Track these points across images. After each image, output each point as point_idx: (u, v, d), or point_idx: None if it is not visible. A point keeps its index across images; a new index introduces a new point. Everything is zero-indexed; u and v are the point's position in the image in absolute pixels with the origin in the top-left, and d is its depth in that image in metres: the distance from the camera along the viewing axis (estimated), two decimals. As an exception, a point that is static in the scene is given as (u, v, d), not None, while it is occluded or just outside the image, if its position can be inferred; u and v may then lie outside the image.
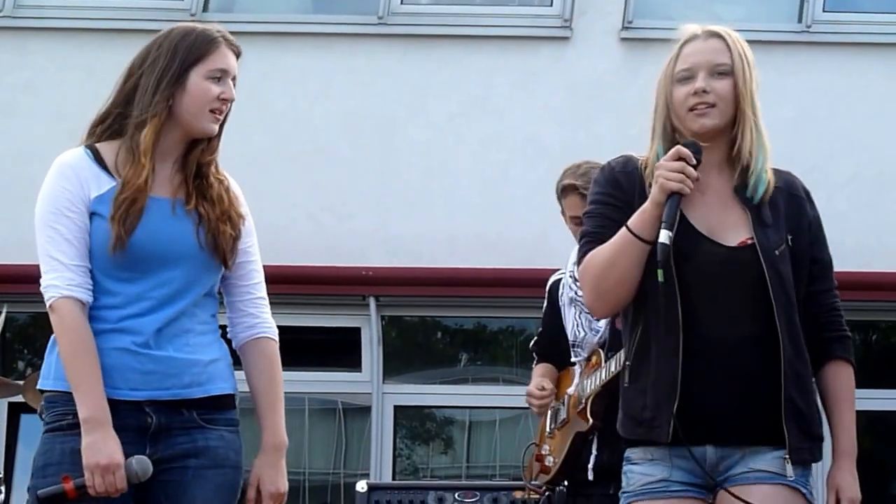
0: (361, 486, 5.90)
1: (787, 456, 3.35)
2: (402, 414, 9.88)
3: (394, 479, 9.42)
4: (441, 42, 9.87)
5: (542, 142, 9.33)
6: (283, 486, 3.59)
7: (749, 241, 3.39)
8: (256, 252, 3.73)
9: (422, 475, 9.88)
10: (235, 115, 10.20)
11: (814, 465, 3.46)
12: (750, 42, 3.57)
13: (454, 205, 9.54)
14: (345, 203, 9.60)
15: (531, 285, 9.15)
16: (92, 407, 3.42)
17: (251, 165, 9.42)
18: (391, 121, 9.73)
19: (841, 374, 3.48)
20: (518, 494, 5.76)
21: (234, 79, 3.61)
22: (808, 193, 3.56)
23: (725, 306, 3.37)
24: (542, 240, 8.56)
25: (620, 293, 3.40)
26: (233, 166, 9.29)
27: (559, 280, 5.16)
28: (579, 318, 4.97)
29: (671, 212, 3.31)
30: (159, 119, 3.53)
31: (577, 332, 4.98)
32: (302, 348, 9.84)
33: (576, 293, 4.95)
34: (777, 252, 3.38)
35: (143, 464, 3.44)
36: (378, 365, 9.61)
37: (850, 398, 3.46)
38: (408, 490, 5.94)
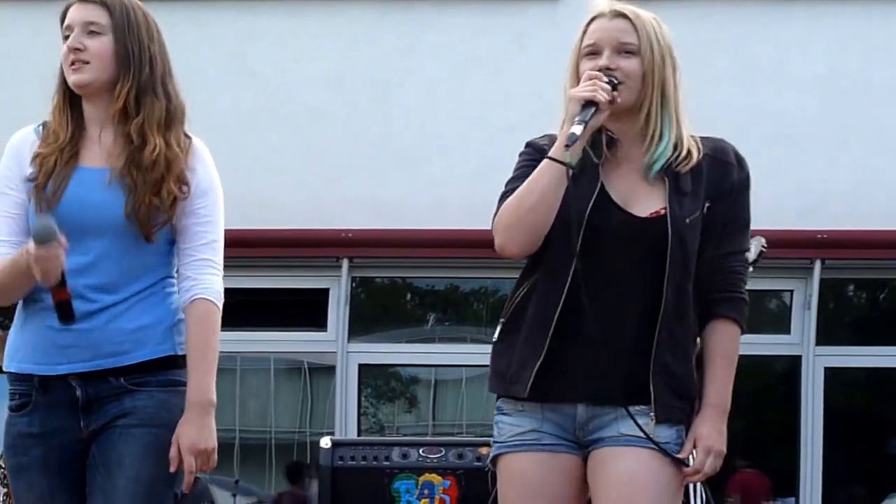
0: (325, 442, 5.90)
1: (653, 413, 3.35)
2: (367, 373, 9.97)
3: (359, 437, 9.43)
4: (418, 4, 9.94)
5: (545, 103, 9.25)
6: (204, 442, 3.51)
7: (661, 212, 3.41)
8: (210, 213, 3.65)
9: (387, 433, 9.93)
10: (222, 78, 10.23)
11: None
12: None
13: (446, 168, 9.62)
14: (336, 166, 9.68)
15: None
16: None
17: (242, 129, 9.54)
18: (379, 83, 9.84)
19: (718, 330, 3.43)
20: (483, 450, 5.73)
21: (92, 24, 3.62)
22: (739, 158, 3.53)
23: (623, 273, 3.40)
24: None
25: (536, 221, 3.38)
26: (225, 130, 9.31)
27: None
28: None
29: (585, 115, 3.34)
30: (58, 95, 3.67)
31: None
32: (270, 309, 9.87)
33: None
34: (688, 220, 3.40)
35: (39, 223, 3.44)
36: (343, 324, 9.69)
37: (725, 353, 3.43)
38: (372, 446, 5.96)
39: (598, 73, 3.40)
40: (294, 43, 9.90)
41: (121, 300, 3.56)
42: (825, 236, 8.95)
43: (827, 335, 9.53)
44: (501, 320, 3.52)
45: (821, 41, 9.67)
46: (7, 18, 9.56)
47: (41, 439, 3.56)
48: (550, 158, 3.38)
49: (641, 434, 3.32)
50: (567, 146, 3.31)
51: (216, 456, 3.55)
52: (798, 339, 9.38)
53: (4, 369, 3.62)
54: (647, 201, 3.42)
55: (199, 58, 9.52)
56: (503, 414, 3.46)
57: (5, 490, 5.12)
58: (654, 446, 3.33)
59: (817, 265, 9.30)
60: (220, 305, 3.61)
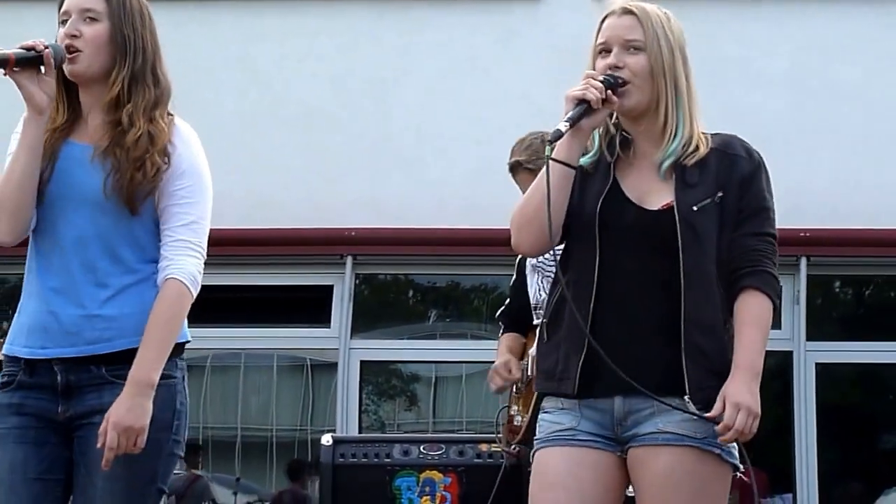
0: (326, 439, 5.89)
1: (688, 397, 3.36)
2: (369, 369, 9.96)
3: (360, 434, 9.41)
4: (415, 4, 9.96)
5: (533, 101, 9.28)
6: (131, 420, 3.44)
7: (671, 204, 3.46)
8: (189, 194, 3.63)
9: (387, 430, 9.91)
10: (226, 78, 10.20)
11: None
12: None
13: (445, 167, 9.62)
14: (337, 166, 9.71)
15: (506, 244, 9.36)
16: None
17: (246, 129, 9.55)
18: (378, 82, 9.85)
19: (745, 300, 3.44)
20: (484, 447, 5.74)
21: (89, 10, 3.63)
22: (749, 151, 3.57)
23: (642, 266, 3.45)
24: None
25: (542, 221, 3.44)
26: (229, 130, 9.28)
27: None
28: (541, 282, 5.10)
29: (575, 113, 3.40)
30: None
31: (537, 296, 5.08)
32: (275, 306, 9.88)
33: (537, 260, 5.03)
34: (695, 208, 3.44)
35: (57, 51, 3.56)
36: (347, 321, 9.71)
37: (753, 320, 3.43)
38: (373, 443, 5.93)
39: (593, 72, 3.46)
40: (296, 42, 9.93)
41: (107, 284, 3.56)
42: (808, 234, 9.00)
43: (816, 331, 9.56)
44: (544, 321, 3.57)
45: (790, 40, 9.69)
46: (13, 19, 9.58)
47: (18, 409, 3.56)
48: (553, 160, 3.45)
49: (679, 431, 3.36)
50: (550, 142, 3.39)
51: (144, 438, 3.47)
52: (789, 335, 9.40)
53: (2, 352, 3.66)
54: (659, 196, 3.47)
55: (204, 57, 9.54)
56: (545, 412, 3.53)
57: None
58: (691, 444, 3.35)
59: (803, 262, 9.40)
60: (193, 287, 3.60)
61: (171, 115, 3.69)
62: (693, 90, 3.53)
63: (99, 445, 3.45)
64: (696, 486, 3.38)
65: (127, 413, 3.44)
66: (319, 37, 9.92)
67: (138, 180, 3.54)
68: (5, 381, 3.62)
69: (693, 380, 3.37)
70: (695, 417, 3.37)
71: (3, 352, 3.65)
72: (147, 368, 3.49)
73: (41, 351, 3.56)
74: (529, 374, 5.06)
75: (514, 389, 5.21)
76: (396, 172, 9.68)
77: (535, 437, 3.55)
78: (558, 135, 3.37)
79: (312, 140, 9.74)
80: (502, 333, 5.37)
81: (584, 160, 3.54)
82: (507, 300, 5.40)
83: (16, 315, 3.66)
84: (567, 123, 3.37)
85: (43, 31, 3.66)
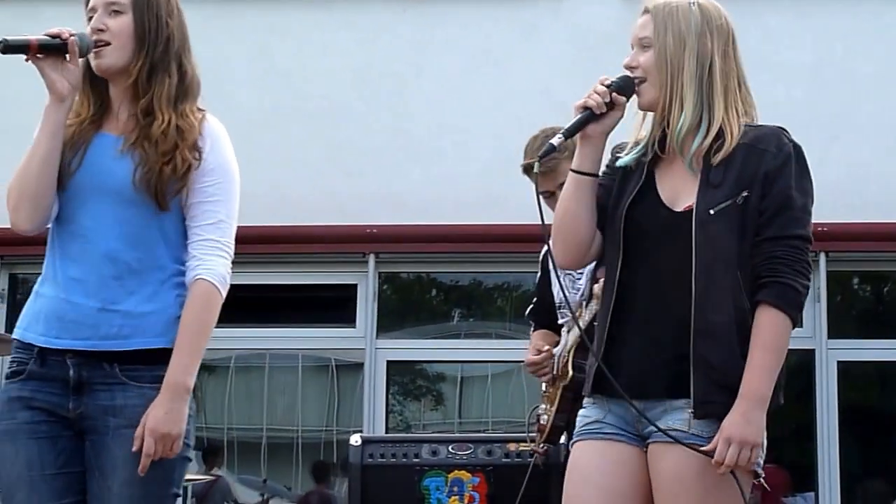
0: (356, 439, 5.88)
1: (691, 410, 3.35)
2: (395, 369, 9.93)
3: (386, 434, 9.42)
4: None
5: (553, 96, 9.28)
6: (168, 426, 3.42)
7: (692, 206, 3.43)
8: (218, 192, 3.60)
9: (414, 430, 9.91)
10: (248, 73, 10.12)
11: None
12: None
13: (464, 162, 9.59)
14: (355, 161, 9.69)
15: (530, 240, 9.40)
16: None
17: (267, 124, 9.56)
18: (398, 77, 9.83)
19: (760, 318, 3.38)
20: (512, 447, 5.76)
21: (113, 3, 3.60)
22: (779, 144, 3.47)
23: (662, 269, 3.43)
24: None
25: (573, 232, 3.49)
26: (250, 126, 9.25)
27: (548, 248, 5.21)
28: (563, 280, 5.03)
29: (574, 123, 3.43)
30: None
31: (560, 295, 5.05)
32: (298, 306, 9.88)
33: None
34: (712, 211, 3.38)
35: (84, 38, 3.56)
36: (372, 321, 9.68)
37: (764, 341, 3.37)
38: (402, 443, 5.92)
39: (604, 77, 3.47)
40: (316, 37, 9.90)
41: (132, 279, 3.50)
42: (826, 228, 9.00)
43: (837, 329, 9.48)
44: (594, 323, 3.63)
45: (809, 31, 9.67)
46: (28, 16, 9.60)
47: (28, 403, 3.50)
48: (572, 171, 3.48)
49: (685, 429, 3.34)
50: (540, 158, 3.43)
51: (181, 443, 3.45)
52: (811, 333, 9.32)
53: (13, 336, 3.59)
54: (687, 196, 3.44)
55: (224, 52, 9.54)
56: (583, 407, 3.56)
57: None
58: (697, 443, 3.33)
59: (822, 258, 9.30)
60: (223, 288, 3.55)
61: (203, 110, 3.65)
62: (716, 75, 3.47)
63: (134, 449, 3.41)
64: (705, 487, 3.36)
65: (164, 419, 3.42)
66: (340, 32, 9.89)
67: (167, 174, 3.51)
68: (15, 369, 3.55)
69: (698, 392, 3.35)
70: (692, 417, 3.36)
71: (16, 336, 3.58)
72: (183, 373, 3.47)
73: (56, 341, 3.50)
74: (554, 373, 5.10)
75: (543, 388, 5.25)
76: (415, 168, 9.63)
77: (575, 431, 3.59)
78: (550, 149, 3.40)
79: (332, 135, 9.69)
80: (533, 331, 5.41)
81: (627, 159, 3.53)
82: (535, 298, 5.42)
83: (31, 297, 3.60)
84: (561, 137, 3.39)
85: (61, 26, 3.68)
